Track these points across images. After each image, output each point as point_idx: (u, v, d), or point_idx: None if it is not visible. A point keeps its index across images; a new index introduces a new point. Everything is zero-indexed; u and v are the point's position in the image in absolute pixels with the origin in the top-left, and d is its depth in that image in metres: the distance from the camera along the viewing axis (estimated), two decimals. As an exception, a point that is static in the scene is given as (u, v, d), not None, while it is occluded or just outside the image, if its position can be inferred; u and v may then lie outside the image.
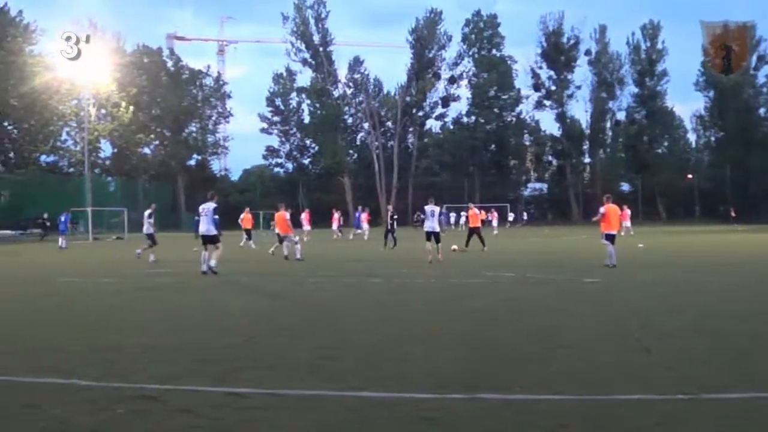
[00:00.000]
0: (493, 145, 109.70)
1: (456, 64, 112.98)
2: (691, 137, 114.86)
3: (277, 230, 29.37)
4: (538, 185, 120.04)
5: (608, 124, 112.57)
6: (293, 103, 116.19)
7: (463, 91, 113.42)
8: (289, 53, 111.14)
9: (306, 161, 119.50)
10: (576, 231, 65.18)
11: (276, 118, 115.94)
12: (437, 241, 25.05)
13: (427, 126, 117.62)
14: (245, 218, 36.80)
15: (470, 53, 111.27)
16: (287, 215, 28.44)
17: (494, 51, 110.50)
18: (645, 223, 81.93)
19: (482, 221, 37.75)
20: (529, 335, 10.28)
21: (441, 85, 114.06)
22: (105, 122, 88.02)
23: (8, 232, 74.37)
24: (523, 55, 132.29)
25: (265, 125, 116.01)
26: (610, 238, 22.00)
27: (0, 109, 68.18)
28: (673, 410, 6.31)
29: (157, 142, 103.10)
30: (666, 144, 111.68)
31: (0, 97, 67.18)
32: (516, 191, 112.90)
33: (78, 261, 31.66)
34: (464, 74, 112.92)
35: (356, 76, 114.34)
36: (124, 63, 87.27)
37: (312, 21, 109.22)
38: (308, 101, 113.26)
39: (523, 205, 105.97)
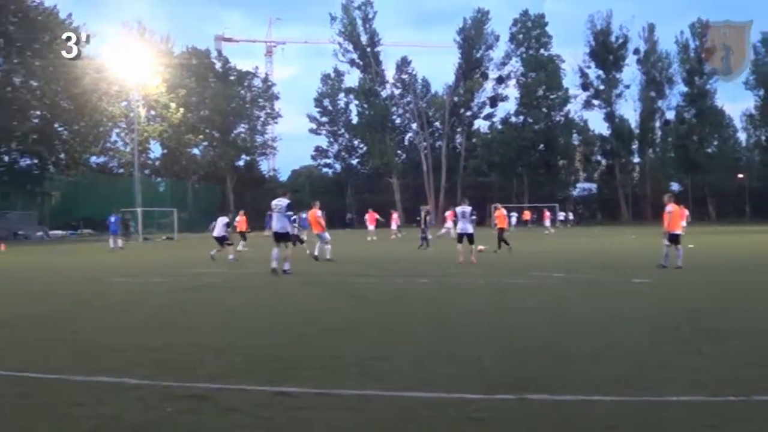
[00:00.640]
0: (541, 145, 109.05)
1: (504, 64, 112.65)
2: (741, 136, 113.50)
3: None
4: (587, 185, 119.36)
5: (657, 124, 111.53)
6: (341, 103, 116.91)
7: (511, 91, 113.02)
8: (337, 54, 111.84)
9: (354, 161, 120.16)
10: (625, 231, 64.67)
11: (324, 119, 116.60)
12: (471, 242, 24.46)
13: (475, 126, 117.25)
14: (240, 221, 36.46)
15: (518, 53, 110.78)
16: (319, 213, 27.69)
17: (542, 50, 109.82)
18: (695, 222, 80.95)
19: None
20: (578, 336, 10.20)
21: (489, 85, 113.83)
22: (154, 123, 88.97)
23: (59, 232, 75.65)
24: (571, 54, 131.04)
25: (313, 126, 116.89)
26: (674, 238, 21.62)
27: (51, 111, 68.99)
28: (724, 412, 6.21)
29: (206, 143, 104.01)
30: (716, 143, 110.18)
31: (50, 100, 68.02)
32: (565, 191, 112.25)
33: (128, 261, 31.97)
34: (512, 74, 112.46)
35: (404, 76, 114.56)
36: (172, 64, 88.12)
37: (359, 21, 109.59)
38: (356, 102, 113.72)
39: (572, 205, 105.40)
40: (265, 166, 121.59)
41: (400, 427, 5.98)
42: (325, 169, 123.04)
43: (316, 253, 27.61)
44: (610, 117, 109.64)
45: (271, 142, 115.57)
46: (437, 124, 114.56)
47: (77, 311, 14.18)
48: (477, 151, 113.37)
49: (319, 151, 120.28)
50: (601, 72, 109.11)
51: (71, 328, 11.69)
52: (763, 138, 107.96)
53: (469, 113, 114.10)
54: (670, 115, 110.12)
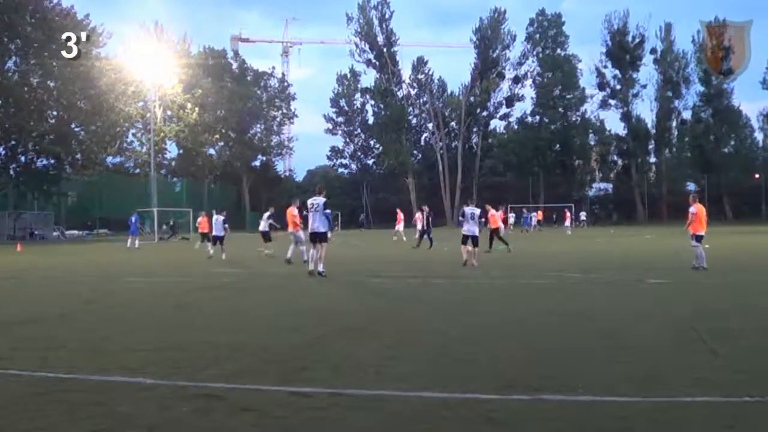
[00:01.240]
0: (557, 145, 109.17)
1: (520, 64, 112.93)
2: (758, 136, 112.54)
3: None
4: (603, 185, 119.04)
5: (674, 124, 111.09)
6: (357, 103, 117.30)
7: (528, 91, 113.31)
8: (353, 54, 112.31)
9: (370, 161, 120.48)
10: (641, 231, 64.49)
11: (340, 119, 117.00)
12: (474, 245, 24.21)
13: (492, 126, 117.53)
14: (202, 221, 36.15)
15: (534, 52, 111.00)
16: (296, 211, 26.63)
17: (559, 50, 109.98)
18: (711, 222, 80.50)
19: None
20: (594, 336, 10.15)
21: (505, 85, 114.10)
22: (171, 123, 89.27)
23: (75, 232, 75.92)
24: (587, 54, 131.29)
25: (329, 126, 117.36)
26: (700, 239, 21.48)
27: (68, 111, 69.24)
28: (741, 413, 6.17)
29: (222, 143, 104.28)
30: (732, 143, 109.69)
31: (67, 100, 68.22)
32: (581, 191, 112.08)
33: (144, 261, 32.06)
34: (528, 74, 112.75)
35: (420, 76, 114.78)
36: (189, 65, 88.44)
37: (376, 22, 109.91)
38: (372, 102, 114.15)
39: (587, 205, 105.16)
40: (281, 166, 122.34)
41: (415, 427, 5.95)
42: (340, 169, 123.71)
43: (291, 256, 26.29)
44: (626, 117, 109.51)
45: (287, 143, 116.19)
46: (453, 124, 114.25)
47: (92, 310, 14.21)
48: (493, 151, 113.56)
49: (335, 152, 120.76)
50: (617, 72, 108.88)
51: (86, 327, 11.72)
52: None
53: (485, 113, 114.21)
54: (687, 114, 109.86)
